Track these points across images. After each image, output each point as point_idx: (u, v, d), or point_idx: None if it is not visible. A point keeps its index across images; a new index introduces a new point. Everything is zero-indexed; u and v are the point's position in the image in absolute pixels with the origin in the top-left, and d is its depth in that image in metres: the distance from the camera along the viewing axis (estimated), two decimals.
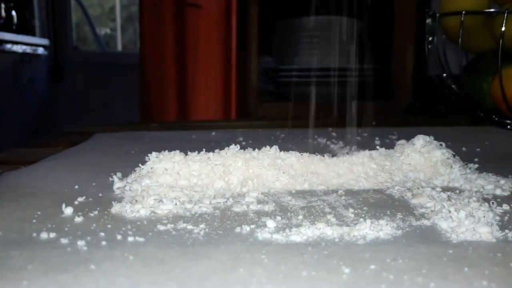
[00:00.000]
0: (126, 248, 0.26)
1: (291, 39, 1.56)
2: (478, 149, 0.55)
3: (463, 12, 0.68)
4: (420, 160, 0.41)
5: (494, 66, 0.67)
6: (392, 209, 0.32)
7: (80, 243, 0.26)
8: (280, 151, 0.40)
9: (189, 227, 0.29)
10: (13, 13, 1.66)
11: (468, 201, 0.31)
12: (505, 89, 0.65)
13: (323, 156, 0.40)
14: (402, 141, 0.45)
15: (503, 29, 0.64)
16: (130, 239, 0.27)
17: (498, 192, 0.37)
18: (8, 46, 1.55)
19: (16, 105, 1.64)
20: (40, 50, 1.80)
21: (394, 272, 0.23)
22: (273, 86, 1.66)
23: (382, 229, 0.28)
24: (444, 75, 0.79)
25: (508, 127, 0.71)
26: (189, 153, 0.40)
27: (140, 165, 0.41)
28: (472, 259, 0.24)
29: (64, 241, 0.26)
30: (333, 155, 0.42)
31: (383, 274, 0.22)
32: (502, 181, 0.39)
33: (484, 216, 0.29)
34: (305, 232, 0.28)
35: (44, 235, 0.27)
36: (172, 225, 0.29)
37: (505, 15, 0.64)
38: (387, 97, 1.64)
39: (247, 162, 0.38)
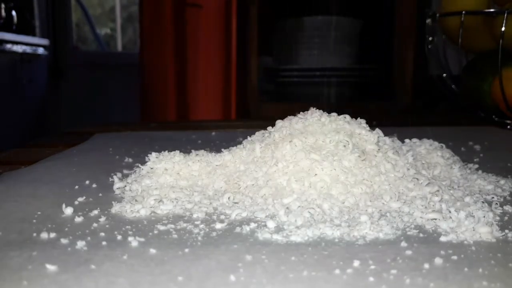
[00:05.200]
0: (126, 248, 0.26)
1: (291, 39, 1.56)
2: (478, 149, 0.55)
3: (463, 12, 0.68)
4: (420, 160, 0.41)
5: (494, 66, 0.67)
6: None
7: (80, 243, 0.26)
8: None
9: (189, 227, 0.29)
10: (13, 13, 1.66)
11: (468, 201, 0.31)
12: (505, 89, 0.65)
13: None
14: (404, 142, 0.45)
15: (503, 29, 0.64)
16: (130, 239, 0.27)
17: (498, 192, 0.37)
18: (8, 46, 1.55)
19: (16, 105, 1.64)
20: (40, 50, 1.80)
21: (394, 272, 0.23)
22: (273, 86, 1.66)
23: (382, 229, 0.28)
24: (444, 75, 0.79)
25: (508, 127, 0.71)
26: (189, 153, 0.40)
27: (140, 165, 0.41)
28: (472, 259, 0.24)
29: (64, 241, 0.26)
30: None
31: (383, 274, 0.22)
32: (502, 181, 0.39)
33: (484, 216, 0.29)
34: (305, 232, 0.28)
35: (44, 235, 0.27)
36: (172, 225, 0.29)
37: (505, 15, 0.64)
38: (387, 97, 1.64)
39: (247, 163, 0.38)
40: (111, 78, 2.00)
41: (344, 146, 0.36)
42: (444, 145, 0.44)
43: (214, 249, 0.26)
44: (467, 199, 0.32)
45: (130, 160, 0.48)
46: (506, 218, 0.31)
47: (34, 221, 0.30)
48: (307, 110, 0.41)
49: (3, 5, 1.60)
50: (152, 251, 0.25)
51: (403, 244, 0.26)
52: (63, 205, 0.32)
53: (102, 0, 2.28)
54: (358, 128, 0.38)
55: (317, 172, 0.34)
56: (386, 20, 1.61)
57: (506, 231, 0.28)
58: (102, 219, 0.30)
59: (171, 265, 0.24)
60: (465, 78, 0.75)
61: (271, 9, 1.61)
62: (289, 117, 0.40)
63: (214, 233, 0.28)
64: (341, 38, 1.53)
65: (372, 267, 0.23)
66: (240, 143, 0.41)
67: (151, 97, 1.55)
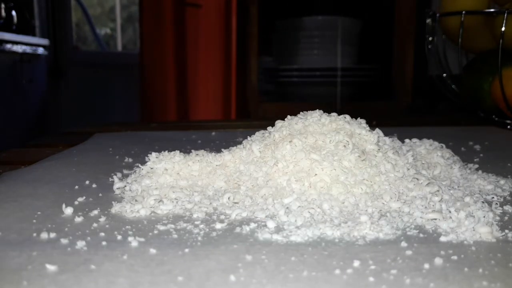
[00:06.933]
0: (126, 248, 0.26)
1: (291, 39, 1.56)
2: (478, 149, 0.55)
3: (463, 12, 0.68)
4: (420, 160, 0.41)
5: (494, 66, 0.67)
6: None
7: (80, 243, 0.26)
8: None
9: (189, 227, 0.29)
10: (13, 13, 1.66)
11: (468, 201, 0.31)
12: (505, 89, 0.65)
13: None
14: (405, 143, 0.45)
15: (503, 29, 0.64)
16: (130, 239, 0.27)
17: (498, 192, 0.37)
18: (8, 46, 1.55)
19: (16, 105, 1.64)
20: (40, 50, 1.80)
21: (394, 272, 0.23)
22: (273, 86, 1.66)
23: (382, 229, 0.28)
24: (444, 75, 0.79)
25: (508, 127, 0.71)
26: (189, 153, 0.40)
27: (140, 165, 0.41)
28: (472, 259, 0.24)
29: (64, 241, 0.26)
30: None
31: (383, 274, 0.22)
32: (502, 181, 0.39)
33: (484, 216, 0.29)
34: (305, 232, 0.28)
35: (44, 235, 0.27)
36: (172, 226, 0.29)
37: (505, 15, 0.64)
38: (387, 97, 1.64)
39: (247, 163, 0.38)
40: (111, 78, 2.00)
41: (344, 146, 0.36)
42: (444, 145, 0.44)
43: (214, 249, 0.26)
44: (467, 199, 0.32)
45: (130, 160, 0.48)
46: (506, 218, 0.31)
47: (34, 221, 0.30)
48: (307, 110, 0.41)
49: (3, 5, 1.60)
50: (152, 251, 0.25)
51: (403, 244, 0.26)
52: (63, 205, 0.32)
53: (102, 0, 2.28)
54: (358, 128, 0.38)
55: (317, 172, 0.34)
56: (386, 20, 1.61)
57: (506, 231, 0.28)
58: (102, 219, 0.30)
59: (171, 265, 0.24)
60: (465, 78, 0.76)
61: (271, 9, 1.61)
62: (289, 117, 0.40)
63: (214, 233, 0.28)
64: (341, 38, 1.53)
65: (372, 267, 0.23)
66: (240, 143, 0.41)
67: (151, 97, 1.55)
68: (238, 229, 0.29)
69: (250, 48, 1.51)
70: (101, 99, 1.99)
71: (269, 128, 0.40)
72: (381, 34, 1.65)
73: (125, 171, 0.43)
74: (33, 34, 1.82)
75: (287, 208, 0.31)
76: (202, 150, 0.41)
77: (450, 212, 0.30)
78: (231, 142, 0.49)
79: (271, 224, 0.29)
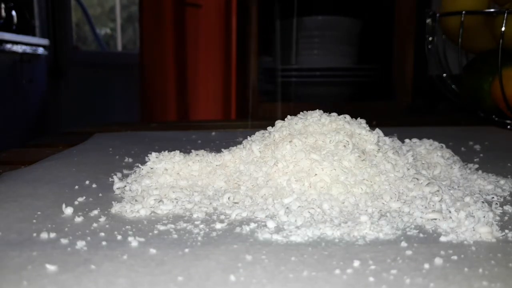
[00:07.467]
0: (126, 248, 0.26)
1: (291, 39, 1.56)
2: (478, 149, 0.55)
3: (463, 12, 0.68)
4: (420, 160, 0.41)
5: (494, 66, 0.67)
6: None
7: (80, 243, 0.26)
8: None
9: (189, 227, 0.29)
10: (13, 13, 1.66)
11: (468, 201, 0.31)
12: (505, 89, 0.65)
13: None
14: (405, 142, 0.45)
15: (503, 29, 0.64)
16: (130, 239, 0.27)
17: (498, 192, 0.37)
18: (8, 46, 1.55)
19: (16, 105, 1.64)
20: (40, 50, 1.80)
21: (394, 272, 0.23)
22: (273, 86, 1.66)
23: (382, 229, 0.28)
24: (444, 75, 0.79)
25: (508, 127, 0.71)
26: (189, 153, 0.40)
27: (140, 165, 0.41)
28: (472, 259, 0.24)
29: (64, 241, 0.26)
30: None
31: (383, 274, 0.22)
32: (502, 181, 0.39)
33: (484, 216, 0.29)
34: (305, 232, 0.28)
35: (44, 235, 0.27)
36: (172, 226, 0.29)
37: (505, 15, 0.64)
38: (387, 97, 1.64)
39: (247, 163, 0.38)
40: (111, 78, 2.00)
41: (344, 146, 0.36)
42: (444, 145, 0.44)
43: (214, 249, 0.26)
44: (467, 199, 0.32)
45: (130, 160, 0.48)
46: (506, 218, 0.31)
47: (34, 221, 0.30)
48: (307, 110, 0.41)
49: (3, 5, 1.60)
50: (152, 251, 0.25)
51: (403, 244, 0.26)
52: (63, 205, 0.32)
53: (102, 0, 2.28)
54: (358, 128, 0.38)
55: (317, 172, 0.34)
56: (386, 20, 1.61)
57: (506, 231, 0.28)
58: (102, 219, 0.30)
59: (171, 265, 0.24)
60: (465, 78, 0.76)
61: (271, 9, 1.61)
62: (289, 117, 0.40)
63: (214, 233, 0.28)
64: (341, 38, 1.53)
65: (372, 267, 0.23)
66: (240, 143, 0.41)
67: (151, 97, 1.55)
68: (238, 229, 0.29)
69: (250, 48, 1.51)
70: (101, 99, 1.99)
71: (269, 128, 0.40)
72: (381, 34, 1.65)
73: (125, 171, 0.43)
74: (33, 34, 1.82)
75: (287, 208, 0.31)
76: (202, 150, 0.41)
77: (450, 212, 0.30)
78: (231, 142, 0.49)
79: (271, 224, 0.29)
